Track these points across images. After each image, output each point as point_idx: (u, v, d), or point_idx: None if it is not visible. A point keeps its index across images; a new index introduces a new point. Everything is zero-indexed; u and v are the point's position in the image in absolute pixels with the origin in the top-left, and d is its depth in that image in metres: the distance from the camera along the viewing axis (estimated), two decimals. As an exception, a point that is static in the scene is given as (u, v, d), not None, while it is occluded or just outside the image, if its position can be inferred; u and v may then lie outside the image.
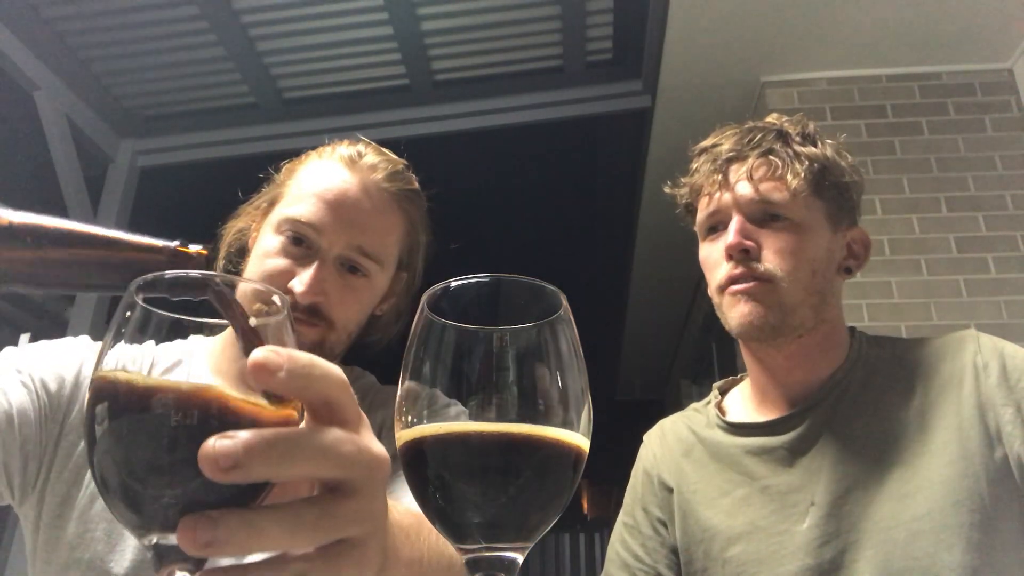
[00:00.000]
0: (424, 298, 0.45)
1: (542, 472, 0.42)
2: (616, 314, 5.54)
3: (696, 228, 1.12)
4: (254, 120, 3.45)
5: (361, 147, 1.01)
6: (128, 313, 0.44)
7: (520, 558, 0.43)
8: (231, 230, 1.05)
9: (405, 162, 1.04)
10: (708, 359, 4.99)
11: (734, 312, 1.00)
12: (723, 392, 1.19)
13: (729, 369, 4.32)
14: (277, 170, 1.05)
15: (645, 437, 1.22)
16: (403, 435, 0.44)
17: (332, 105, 3.39)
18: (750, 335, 1.01)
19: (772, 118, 1.11)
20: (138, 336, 0.44)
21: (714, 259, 1.05)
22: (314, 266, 0.90)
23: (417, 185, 1.04)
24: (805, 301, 0.99)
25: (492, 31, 3.11)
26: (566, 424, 0.43)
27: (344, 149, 1.00)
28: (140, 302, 0.45)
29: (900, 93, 2.96)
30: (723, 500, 1.03)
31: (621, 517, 1.16)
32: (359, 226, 0.94)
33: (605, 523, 6.51)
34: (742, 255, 0.99)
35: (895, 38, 2.83)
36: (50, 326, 3.24)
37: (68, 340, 0.93)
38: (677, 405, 6.51)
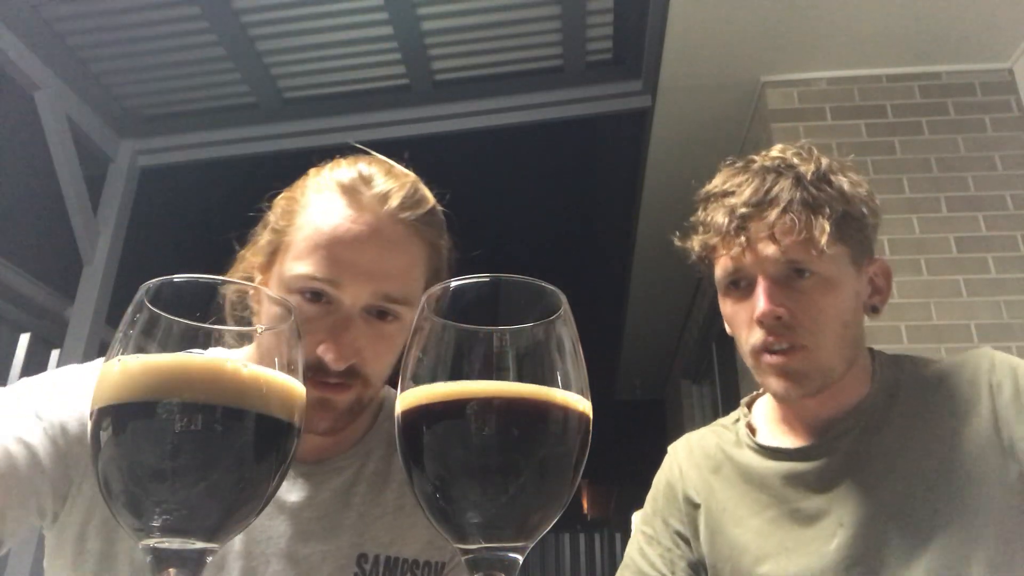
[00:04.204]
0: (424, 298, 0.45)
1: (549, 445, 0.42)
2: (616, 314, 5.54)
3: (715, 282, 1.07)
4: (254, 120, 3.45)
5: (363, 167, 0.89)
6: (136, 316, 0.45)
7: (520, 558, 0.43)
8: (231, 289, 0.96)
9: (414, 176, 0.93)
10: (708, 359, 4.99)
11: (772, 382, 0.99)
12: (748, 405, 1.18)
13: (729, 369, 4.33)
14: (269, 204, 0.93)
15: (671, 449, 1.21)
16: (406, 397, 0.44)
17: (332, 105, 3.39)
18: (790, 402, 1.01)
19: (778, 151, 1.05)
20: (144, 339, 0.44)
21: (742, 320, 1.01)
22: (341, 329, 0.82)
23: (431, 199, 0.93)
24: (840, 356, 0.98)
25: (492, 31, 3.11)
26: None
27: (344, 174, 0.88)
28: (148, 304, 0.45)
29: (900, 93, 2.95)
30: (753, 520, 1.04)
31: (640, 526, 1.17)
32: (382, 272, 0.84)
33: (605, 523, 6.51)
34: (774, 322, 0.96)
35: (895, 38, 2.83)
36: (50, 326, 3.24)
37: (94, 375, 0.87)
38: (677, 405, 6.52)
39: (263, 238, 0.91)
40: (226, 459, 0.42)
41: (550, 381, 0.43)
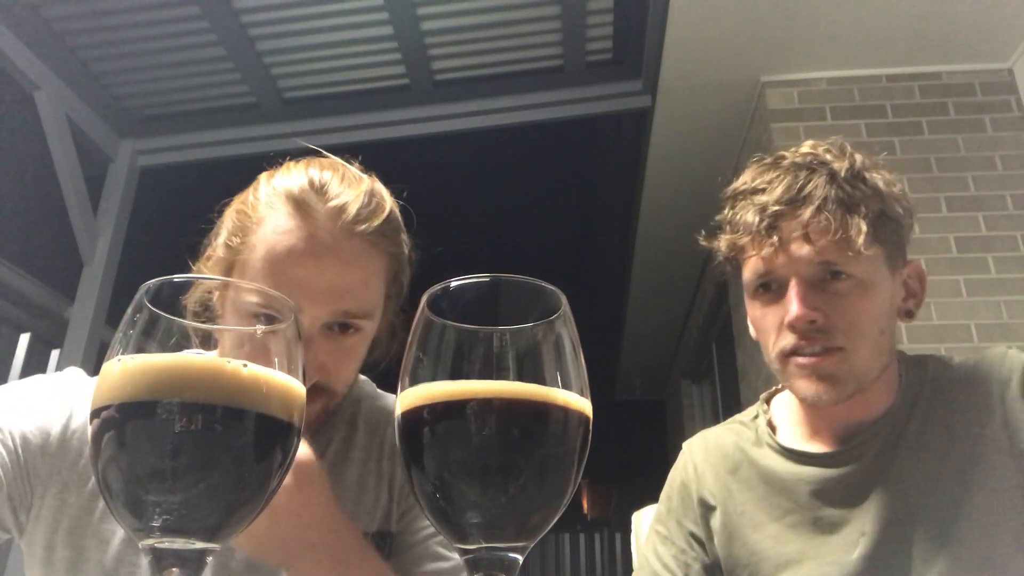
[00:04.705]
0: (424, 298, 0.45)
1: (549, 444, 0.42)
2: (616, 314, 5.54)
3: (742, 283, 1.03)
4: (254, 120, 3.45)
5: (315, 174, 0.86)
6: (136, 316, 0.45)
7: (520, 558, 0.43)
8: (191, 299, 0.95)
9: (368, 180, 0.89)
10: (708, 359, 5.00)
11: (803, 385, 0.94)
12: (767, 401, 1.14)
13: (729, 369, 4.33)
14: (219, 213, 0.91)
15: (685, 446, 1.18)
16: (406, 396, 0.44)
17: (332, 105, 3.39)
18: (821, 407, 0.97)
19: (808, 147, 1.01)
20: (144, 339, 0.44)
21: (771, 324, 0.97)
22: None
23: (388, 204, 0.89)
24: (875, 361, 0.95)
25: (492, 31, 3.11)
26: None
27: (295, 182, 0.85)
28: (148, 304, 0.45)
29: (900, 93, 2.96)
30: (772, 525, 1.01)
31: (654, 524, 1.15)
32: (339, 289, 0.83)
33: (605, 523, 6.51)
34: (808, 326, 0.92)
35: (895, 38, 2.83)
36: (50, 326, 3.24)
37: (59, 384, 0.88)
38: (677, 405, 6.51)
39: (217, 252, 0.89)
40: (226, 459, 0.42)
41: (550, 381, 0.43)
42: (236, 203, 0.90)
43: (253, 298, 0.77)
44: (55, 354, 3.18)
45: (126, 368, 0.42)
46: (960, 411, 0.96)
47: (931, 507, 0.92)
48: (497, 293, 0.46)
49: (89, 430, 0.43)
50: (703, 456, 1.13)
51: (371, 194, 0.87)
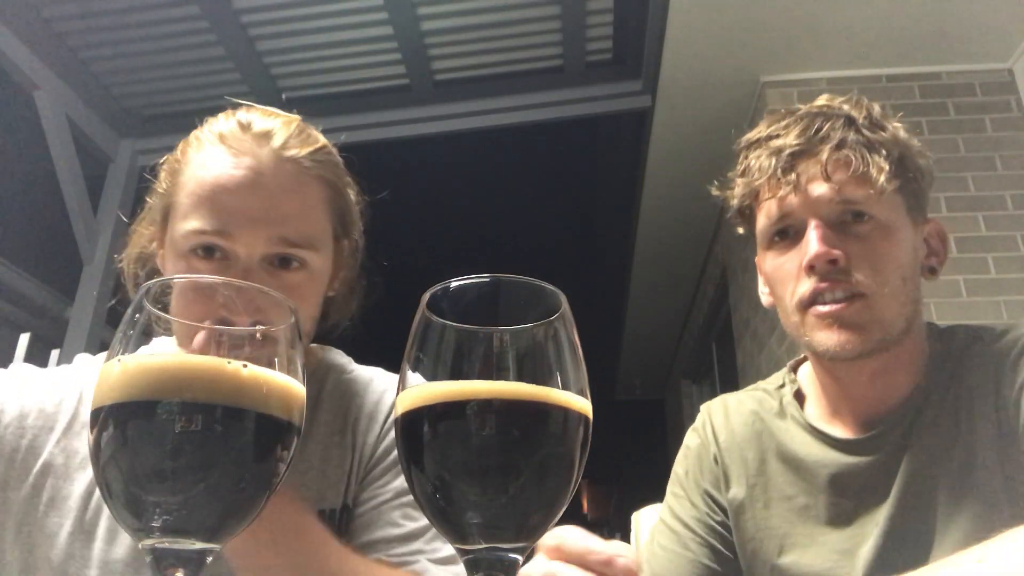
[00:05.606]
0: (424, 298, 0.45)
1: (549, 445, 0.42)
2: (616, 314, 5.54)
3: (756, 234, 0.98)
4: (254, 120, 3.45)
5: (242, 115, 0.85)
6: (136, 315, 0.45)
7: (520, 558, 0.43)
8: (128, 260, 0.90)
9: (299, 118, 0.89)
10: (708, 359, 5.00)
11: (823, 336, 0.88)
12: (794, 370, 1.08)
13: (729, 369, 4.32)
14: (154, 173, 0.90)
15: (704, 408, 1.13)
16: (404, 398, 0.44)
17: (332, 105, 3.39)
18: (843, 360, 0.90)
19: (824, 99, 0.98)
20: (144, 339, 0.44)
21: (788, 271, 0.91)
22: None
23: (322, 139, 0.89)
24: (900, 314, 0.89)
25: (492, 31, 3.11)
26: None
27: (222, 125, 0.84)
28: (148, 305, 0.45)
29: (900, 93, 2.95)
30: (782, 503, 0.97)
31: (670, 488, 1.10)
32: (275, 215, 0.79)
33: (605, 523, 6.50)
34: (828, 267, 0.87)
35: (895, 38, 2.83)
36: (50, 326, 3.24)
37: (19, 378, 0.89)
38: (677, 405, 6.48)
39: (151, 206, 0.87)
40: (226, 459, 0.42)
41: (550, 381, 0.43)
42: (167, 156, 0.89)
43: (190, 238, 0.77)
44: (55, 354, 3.18)
45: (126, 368, 0.42)
46: (981, 391, 0.90)
47: (952, 499, 0.87)
48: (497, 293, 0.46)
49: (89, 431, 0.43)
50: (722, 421, 1.08)
51: (301, 127, 0.87)
